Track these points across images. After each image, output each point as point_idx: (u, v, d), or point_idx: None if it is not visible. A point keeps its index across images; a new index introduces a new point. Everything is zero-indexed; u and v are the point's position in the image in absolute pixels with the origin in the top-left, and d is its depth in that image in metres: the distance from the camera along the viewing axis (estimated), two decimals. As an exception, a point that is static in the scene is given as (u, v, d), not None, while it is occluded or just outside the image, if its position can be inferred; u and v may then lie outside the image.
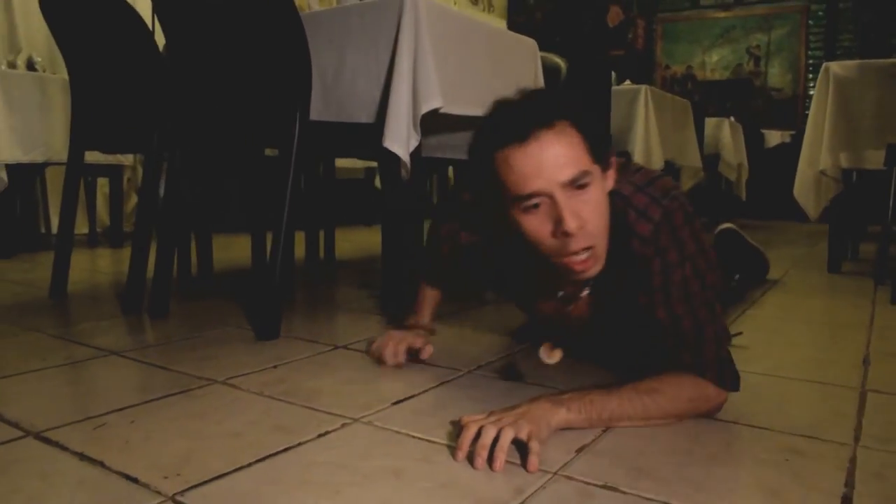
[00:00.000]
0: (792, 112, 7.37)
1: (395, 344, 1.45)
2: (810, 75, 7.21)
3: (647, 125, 3.67)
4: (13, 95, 3.21)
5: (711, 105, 7.14)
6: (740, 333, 1.72)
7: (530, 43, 2.46)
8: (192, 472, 0.91)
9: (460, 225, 1.43)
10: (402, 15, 1.86)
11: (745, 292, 2.40)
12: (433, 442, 1.03)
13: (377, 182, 4.86)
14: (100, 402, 1.20)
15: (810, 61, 7.28)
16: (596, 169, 1.05)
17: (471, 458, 0.95)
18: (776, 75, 7.64)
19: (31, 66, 3.52)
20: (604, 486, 0.89)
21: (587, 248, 1.06)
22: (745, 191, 5.88)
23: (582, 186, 1.03)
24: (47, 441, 1.02)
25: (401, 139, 1.84)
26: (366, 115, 1.98)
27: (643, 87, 3.70)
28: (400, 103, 1.85)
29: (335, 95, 2.05)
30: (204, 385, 1.31)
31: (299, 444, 1.02)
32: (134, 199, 4.58)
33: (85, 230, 4.19)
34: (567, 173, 1.01)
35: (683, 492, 0.88)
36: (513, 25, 8.67)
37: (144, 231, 2.17)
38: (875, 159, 2.79)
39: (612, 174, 1.12)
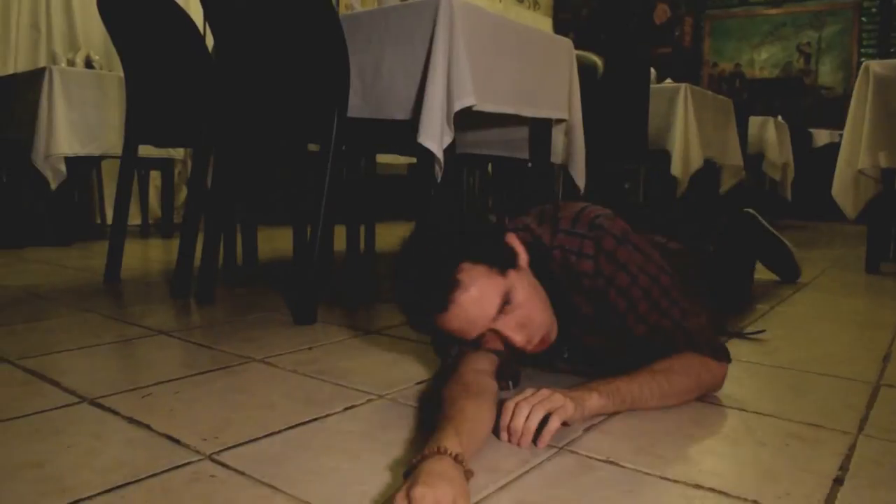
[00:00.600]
0: (843, 111, 7.23)
1: None
2: (862, 74, 7.06)
3: (687, 124, 3.67)
4: (72, 92, 3.38)
5: (759, 104, 7.04)
6: (763, 331, 1.75)
7: (565, 42, 2.51)
8: (228, 436, 1.00)
9: None
10: (437, 16, 1.93)
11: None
12: (451, 417, 1.10)
13: (419, 178, 4.92)
14: (147, 375, 1.31)
15: (862, 59, 7.13)
16: (510, 277, 1.09)
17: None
18: (827, 73, 7.51)
19: (88, 63, 3.69)
20: (605, 461, 0.95)
21: (542, 343, 1.14)
22: (791, 191, 5.81)
23: (509, 302, 1.08)
24: (100, 406, 1.13)
25: (435, 136, 1.91)
26: (402, 113, 2.06)
27: (683, 86, 3.71)
28: (434, 101, 1.92)
29: (374, 93, 2.13)
30: (243, 363, 1.41)
31: (327, 415, 1.11)
32: (184, 192, 4.75)
33: (138, 221, 4.38)
34: (492, 310, 1.06)
35: (681, 469, 0.94)
36: (558, 23, 8.67)
37: (193, 221, 2.28)
38: (914, 159, 2.78)
39: (521, 255, 1.14)
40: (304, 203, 2.68)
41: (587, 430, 1.07)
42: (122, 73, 2.58)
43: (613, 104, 3.24)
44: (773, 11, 7.83)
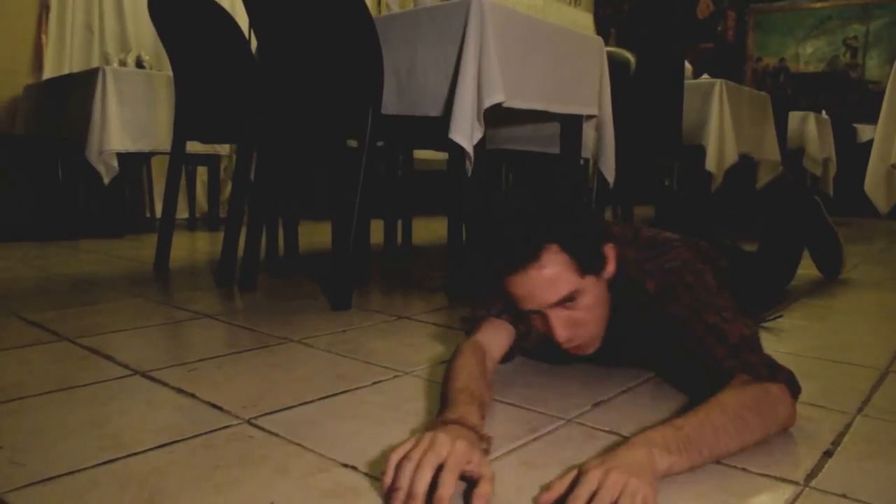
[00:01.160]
0: (889, 106, 7.11)
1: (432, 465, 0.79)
2: (910, 68, 6.93)
3: (722, 119, 3.69)
4: (123, 91, 3.54)
5: (804, 99, 6.95)
6: (780, 316, 1.80)
7: (596, 40, 2.57)
8: (265, 405, 1.11)
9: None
10: (468, 16, 2.01)
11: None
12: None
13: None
14: (193, 352, 1.43)
15: (911, 53, 7.01)
16: (587, 281, 1.10)
17: None
18: (874, 67, 7.37)
19: (139, 63, 3.86)
20: (609, 432, 1.03)
21: (579, 347, 1.16)
22: (833, 187, 5.75)
23: (572, 299, 1.10)
24: (151, 378, 1.25)
25: (465, 131, 2.00)
26: (435, 109, 2.15)
27: (718, 81, 3.72)
28: (465, 98, 2.00)
29: (408, 91, 2.22)
30: (281, 343, 1.51)
31: (356, 388, 1.21)
32: (230, 187, 4.90)
33: (185, 215, 4.55)
34: (553, 297, 1.08)
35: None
36: (599, 18, 8.66)
37: (237, 214, 2.41)
38: (948, 154, 2.77)
39: (610, 265, 1.16)
40: (342, 197, 2.78)
41: (595, 405, 1.14)
42: (171, 73, 2.72)
43: (647, 100, 3.28)
44: (819, 5, 7.71)
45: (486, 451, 0.88)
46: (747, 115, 4.01)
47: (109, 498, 0.79)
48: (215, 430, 1.00)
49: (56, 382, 1.21)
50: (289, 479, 0.85)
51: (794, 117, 5.22)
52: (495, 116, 2.70)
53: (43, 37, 4.16)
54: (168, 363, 1.34)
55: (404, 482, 0.75)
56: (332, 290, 1.98)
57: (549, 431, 1.02)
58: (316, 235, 3.82)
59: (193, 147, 3.24)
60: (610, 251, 1.17)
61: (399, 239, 3.46)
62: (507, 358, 1.30)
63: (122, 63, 3.86)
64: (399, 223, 3.43)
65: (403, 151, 3.47)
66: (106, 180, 3.49)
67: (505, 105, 2.08)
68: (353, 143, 2.81)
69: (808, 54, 7.85)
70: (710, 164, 3.61)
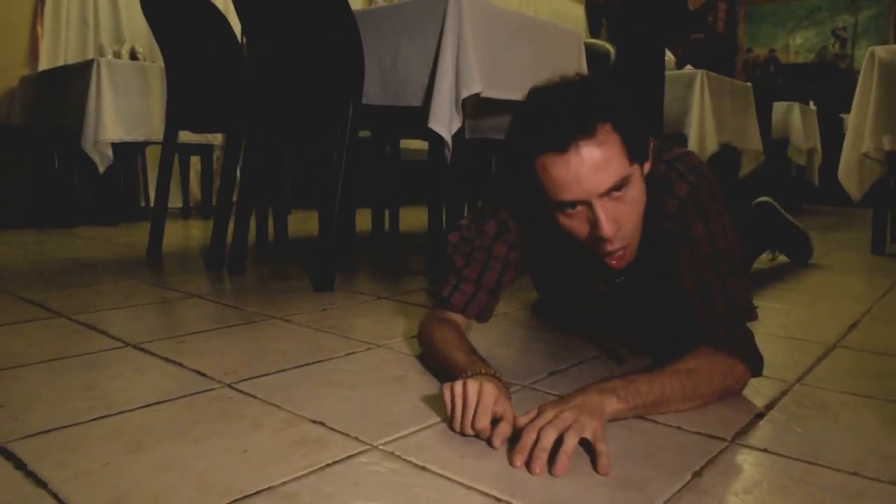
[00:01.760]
0: (876, 96, 7.19)
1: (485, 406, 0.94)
2: None
3: (703, 109, 3.78)
4: (118, 82, 3.63)
5: (794, 89, 7.03)
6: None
7: (574, 33, 2.66)
8: (245, 372, 1.20)
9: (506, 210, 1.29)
10: (446, 9, 2.10)
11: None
12: (436, 362, 1.29)
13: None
14: (182, 327, 1.52)
15: (898, 43, 7.08)
16: (634, 168, 1.05)
17: (528, 463, 0.84)
18: (863, 58, 7.43)
19: (133, 55, 3.94)
20: (559, 395, 1.12)
21: (624, 248, 1.09)
22: (819, 176, 5.84)
23: (620, 189, 1.03)
24: (141, 349, 1.34)
25: (444, 121, 2.08)
26: (416, 100, 2.24)
27: (700, 72, 3.82)
28: (443, 88, 2.09)
29: (391, 82, 2.31)
30: (265, 319, 1.61)
31: (330, 358, 1.30)
32: (223, 177, 4.98)
33: (179, 204, 4.63)
34: (606, 183, 1.00)
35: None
36: (591, 9, 8.71)
37: (226, 200, 2.50)
38: (918, 143, 2.86)
39: (648, 163, 1.11)
40: (328, 185, 2.87)
41: (550, 374, 1.24)
42: (163, 65, 2.80)
43: (627, 90, 3.36)
44: (809, -5, 7.81)
45: (508, 396, 0.99)
46: (729, 104, 4.10)
47: (101, 446, 0.89)
48: (198, 392, 1.10)
49: (53, 352, 1.31)
50: (262, 432, 0.94)
51: (779, 108, 5.31)
52: (480, 107, 2.79)
53: (38, 28, 4.23)
54: (158, 337, 1.44)
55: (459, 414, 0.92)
56: (315, 272, 2.08)
57: (504, 394, 1.12)
58: (307, 224, 3.91)
59: (187, 137, 3.33)
60: (650, 143, 1.12)
61: (387, 227, 3.55)
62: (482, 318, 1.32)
63: (117, 55, 3.94)
64: (387, 213, 3.53)
65: (390, 142, 3.55)
66: (101, 169, 3.58)
67: (483, 95, 2.17)
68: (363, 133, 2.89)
69: (798, 45, 7.94)
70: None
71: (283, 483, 0.79)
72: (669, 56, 4.04)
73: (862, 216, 5.35)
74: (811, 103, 6.00)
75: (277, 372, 1.21)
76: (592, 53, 2.82)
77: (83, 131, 3.51)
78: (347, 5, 1.99)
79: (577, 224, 1.06)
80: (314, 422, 0.98)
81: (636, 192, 1.06)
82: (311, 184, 4.72)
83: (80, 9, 4.41)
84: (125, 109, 3.65)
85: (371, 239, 3.32)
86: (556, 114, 1.00)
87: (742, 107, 4.31)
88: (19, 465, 0.83)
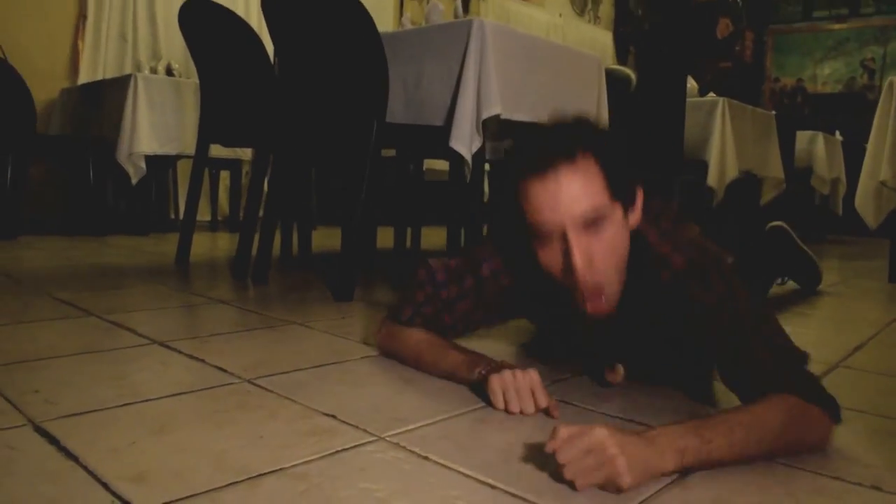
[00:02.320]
0: (904, 128, 7.16)
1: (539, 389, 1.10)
2: (922, 91, 6.98)
3: (724, 136, 3.82)
4: (153, 96, 3.76)
5: (821, 119, 7.03)
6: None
7: (594, 58, 2.73)
8: (264, 370, 1.27)
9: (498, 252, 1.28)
10: (469, 35, 2.18)
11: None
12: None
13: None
14: (206, 328, 1.60)
15: (927, 76, 7.05)
16: (615, 206, 1.04)
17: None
18: (891, 90, 7.41)
19: (169, 71, 4.08)
20: (560, 400, 1.18)
21: (597, 288, 1.06)
22: (843, 206, 5.82)
23: (596, 223, 1.02)
24: (166, 346, 1.42)
25: (465, 140, 2.16)
26: (438, 119, 2.31)
27: (721, 100, 3.86)
28: (465, 109, 2.17)
29: (415, 101, 2.39)
30: (285, 324, 1.68)
31: (345, 360, 1.37)
32: (251, 191, 5.09)
33: (207, 217, 4.74)
34: (581, 209, 1.00)
35: (609, 405, 1.16)
36: (619, 36, 8.79)
37: (253, 212, 2.58)
38: (936, 173, 2.88)
39: (637, 210, 1.10)
40: (351, 200, 2.95)
41: (554, 381, 1.29)
42: (198, 81, 2.91)
43: (648, 116, 3.43)
44: (838, 26, 7.81)
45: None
46: (750, 132, 4.13)
47: (128, 428, 0.96)
48: (219, 385, 1.17)
49: (84, 346, 1.39)
50: (277, 421, 1.01)
51: (803, 137, 5.32)
52: (501, 129, 2.86)
53: (79, 43, 4.39)
54: (183, 336, 1.51)
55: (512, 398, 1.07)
56: (336, 283, 2.14)
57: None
58: (331, 239, 3.99)
59: (217, 151, 3.43)
60: (640, 194, 1.10)
61: (409, 245, 3.62)
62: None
63: (153, 70, 4.08)
64: (409, 231, 3.59)
65: (414, 161, 3.63)
66: (134, 181, 3.69)
67: (504, 117, 2.24)
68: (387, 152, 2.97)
69: (826, 75, 7.94)
70: (712, 179, 3.74)
71: (294, 465, 0.86)
72: (692, 83, 4.09)
73: (885, 246, 5.32)
74: (837, 133, 5.99)
75: (294, 370, 1.28)
76: (614, 79, 2.88)
77: (118, 143, 3.63)
78: (375, 29, 2.07)
79: (552, 257, 1.06)
80: (326, 414, 1.04)
81: (614, 234, 1.05)
82: (336, 201, 4.81)
83: (119, 25, 4.56)
84: (159, 123, 3.77)
85: (393, 255, 3.39)
86: (541, 140, 1.05)
87: (764, 135, 4.34)
88: (52, 440, 0.90)
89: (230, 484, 0.80)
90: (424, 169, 3.82)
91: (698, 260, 1.07)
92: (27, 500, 0.74)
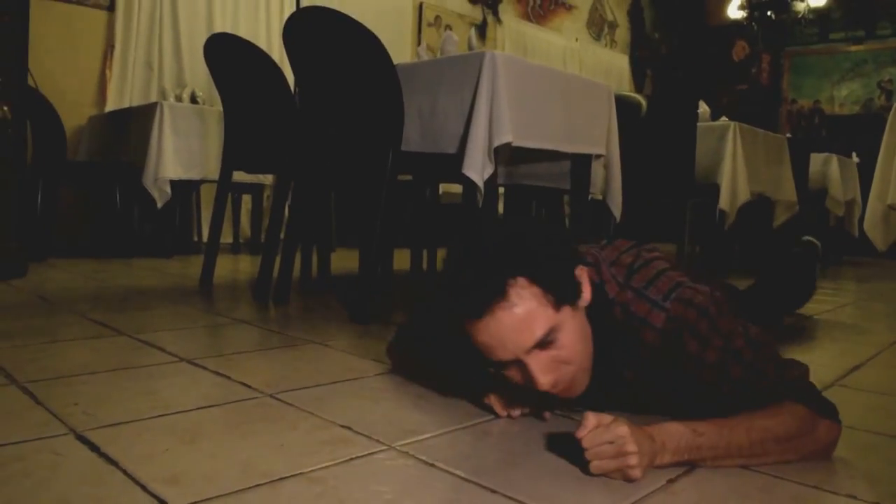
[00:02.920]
0: (920, 150, 7.17)
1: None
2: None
3: (735, 160, 3.88)
4: (178, 124, 3.90)
5: (838, 141, 7.05)
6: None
7: (604, 87, 2.82)
8: (285, 385, 1.36)
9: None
10: (482, 66, 2.27)
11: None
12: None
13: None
14: (230, 347, 1.70)
15: (945, 97, 7.07)
16: (563, 313, 1.00)
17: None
18: (907, 111, 7.43)
19: (193, 99, 4.22)
20: (561, 414, 1.25)
21: (566, 390, 1.06)
22: (858, 227, 5.83)
23: (550, 337, 1.00)
24: (194, 364, 1.51)
25: (477, 167, 2.24)
26: (452, 147, 2.40)
27: (733, 124, 3.92)
28: (477, 137, 2.25)
29: (430, 130, 2.48)
30: (305, 343, 1.77)
31: (362, 377, 1.45)
32: (272, 214, 5.21)
33: (230, 240, 4.86)
34: (529, 341, 0.98)
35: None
36: (635, 60, 8.88)
37: (274, 235, 2.69)
38: (944, 195, 2.92)
39: (585, 290, 1.06)
40: (368, 225, 3.05)
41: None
42: (221, 109, 3.03)
43: (659, 141, 3.51)
44: (855, 48, 7.86)
45: None
46: (762, 156, 4.19)
47: (161, 437, 1.05)
48: (243, 399, 1.26)
49: (117, 364, 1.48)
50: (297, 432, 1.10)
51: (817, 159, 5.35)
52: (516, 156, 2.96)
53: (107, 72, 4.55)
54: (209, 354, 1.61)
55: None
56: (353, 304, 2.23)
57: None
58: (349, 262, 4.09)
59: (240, 176, 3.55)
60: (582, 275, 1.06)
61: (425, 267, 3.71)
62: None
63: (178, 98, 4.22)
64: (425, 253, 3.68)
65: (430, 185, 3.73)
66: (159, 205, 3.82)
67: (515, 145, 2.33)
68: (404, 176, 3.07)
69: (843, 97, 7.98)
70: (724, 202, 3.80)
71: (313, 470, 0.94)
72: (704, 108, 4.16)
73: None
74: (854, 155, 6.02)
75: (314, 386, 1.36)
76: (624, 104, 2.96)
77: (145, 169, 3.77)
78: (391, 63, 2.17)
79: (514, 374, 1.05)
80: (342, 426, 1.13)
81: (571, 335, 1.02)
82: (355, 225, 4.92)
83: (145, 54, 4.72)
84: (184, 149, 3.91)
85: (408, 277, 3.48)
86: (468, 278, 0.99)
87: (776, 158, 4.39)
88: (93, 448, 0.99)
89: (254, 486, 0.88)
90: (441, 192, 3.92)
91: (676, 312, 1.04)
92: (74, 499, 0.83)
